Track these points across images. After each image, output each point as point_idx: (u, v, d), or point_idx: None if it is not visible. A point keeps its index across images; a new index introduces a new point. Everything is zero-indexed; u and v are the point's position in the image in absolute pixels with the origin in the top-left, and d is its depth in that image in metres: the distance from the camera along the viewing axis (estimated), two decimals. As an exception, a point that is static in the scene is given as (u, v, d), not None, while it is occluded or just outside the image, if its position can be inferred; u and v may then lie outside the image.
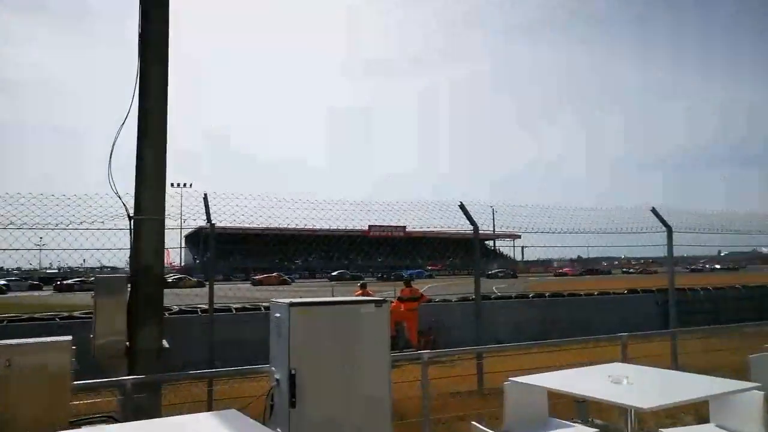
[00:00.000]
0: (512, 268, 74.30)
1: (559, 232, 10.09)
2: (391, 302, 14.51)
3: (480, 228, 8.66)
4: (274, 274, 56.05)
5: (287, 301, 4.29)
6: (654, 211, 10.66)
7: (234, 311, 12.52)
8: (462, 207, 8.88)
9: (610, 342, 7.64)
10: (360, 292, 13.49)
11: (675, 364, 10.08)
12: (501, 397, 8.76)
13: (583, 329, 15.04)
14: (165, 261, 5.59)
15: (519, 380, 4.60)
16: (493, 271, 62.30)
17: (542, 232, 9.87)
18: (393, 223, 9.62)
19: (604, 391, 4.12)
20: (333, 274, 57.72)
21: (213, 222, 7.05)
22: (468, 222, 8.67)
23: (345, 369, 4.28)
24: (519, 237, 10.32)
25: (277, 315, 4.35)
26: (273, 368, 4.44)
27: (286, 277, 60.61)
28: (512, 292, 19.08)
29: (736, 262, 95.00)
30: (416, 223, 9.17)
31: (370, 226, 10.41)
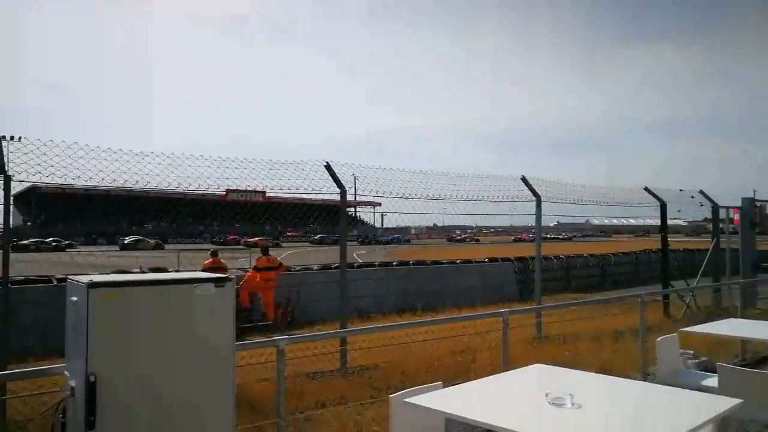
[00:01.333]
0: (372, 234, 74.88)
1: (418, 198, 9.24)
2: (246, 272, 13.30)
3: (347, 191, 7.72)
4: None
5: (86, 279, 3.05)
6: (524, 179, 10.34)
7: (55, 283, 10.56)
8: (328, 168, 7.87)
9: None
10: (210, 261, 12.09)
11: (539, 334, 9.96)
12: (365, 375, 8.04)
13: (445, 297, 14.83)
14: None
15: (411, 400, 3.30)
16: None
17: (400, 197, 8.93)
18: (253, 186, 8.30)
19: (540, 422, 3.06)
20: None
21: (10, 174, 5.45)
22: (334, 184, 7.68)
23: (169, 372, 3.15)
24: (379, 205, 9.34)
25: (74, 299, 3.09)
26: (66, 373, 3.21)
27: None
28: (375, 260, 18.49)
29: (569, 231, 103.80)
30: (278, 183, 7.96)
31: (227, 190, 9.10)
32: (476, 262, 17.66)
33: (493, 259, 18.09)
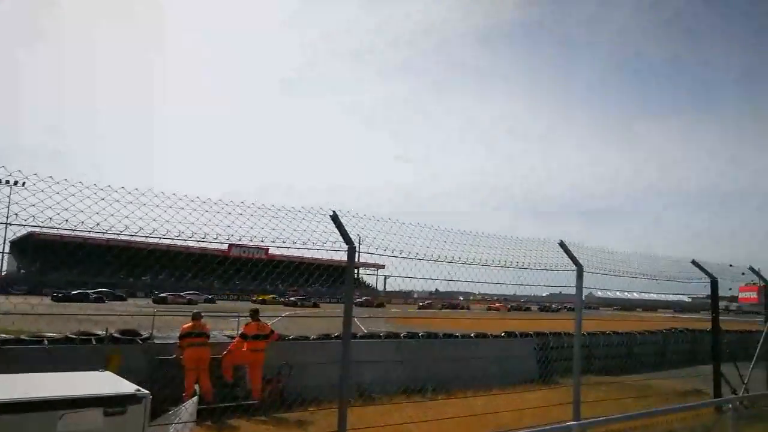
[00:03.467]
0: (372, 298, 72.52)
1: (434, 260, 7.57)
2: (233, 339, 11.55)
3: (357, 249, 6.13)
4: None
5: None
6: (562, 245, 8.73)
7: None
8: (335, 219, 6.31)
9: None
10: (190, 325, 10.35)
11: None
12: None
13: (458, 375, 12.97)
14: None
15: None
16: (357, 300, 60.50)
17: (416, 258, 7.27)
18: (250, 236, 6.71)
19: None
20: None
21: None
22: (341, 238, 6.10)
23: None
24: (383, 267, 7.74)
25: None
26: None
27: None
28: (381, 330, 16.67)
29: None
30: (279, 235, 6.33)
31: (230, 245, 7.87)
32: (493, 336, 15.83)
33: (510, 334, 16.26)
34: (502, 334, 16.31)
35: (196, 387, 9.50)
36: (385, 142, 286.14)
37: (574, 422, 4.03)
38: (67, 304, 36.66)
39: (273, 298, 59.56)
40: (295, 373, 10.98)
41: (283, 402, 10.38)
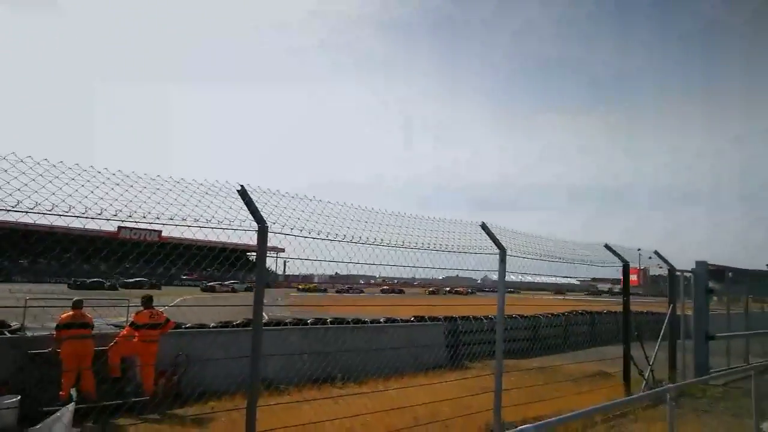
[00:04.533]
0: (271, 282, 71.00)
1: (349, 241, 6.88)
2: (123, 328, 10.33)
3: (269, 226, 5.31)
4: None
5: None
6: (485, 227, 8.31)
7: None
8: (243, 193, 5.46)
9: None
10: (69, 314, 9.06)
11: (498, 422, 7.79)
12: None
13: (368, 363, 12.41)
14: None
15: None
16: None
17: (329, 239, 6.54)
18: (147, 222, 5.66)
19: None
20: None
21: None
22: (251, 216, 5.27)
23: None
24: (283, 250, 6.90)
25: None
26: None
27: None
28: (286, 317, 15.81)
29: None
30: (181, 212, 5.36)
31: (119, 227, 6.86)
32: (402, 321, 15.40)
33: (420, 319, 15.91)
34: (412, 318, 15.92)
35: (73, 392, 8.32)
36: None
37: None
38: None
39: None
40: (193, 365, 9.98)
41: (178, 397, 9.37)
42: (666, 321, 12.35)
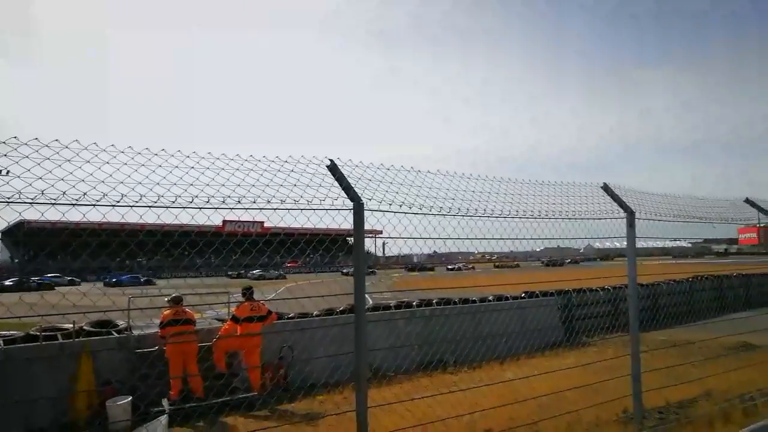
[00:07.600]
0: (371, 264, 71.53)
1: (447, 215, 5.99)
2: (224, 322, 10.12)
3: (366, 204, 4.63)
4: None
5: None
6: (607, 188, 7.26)
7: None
8: (333, 168, 4.81)
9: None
10: (170, 311, 8.87)
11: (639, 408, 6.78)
12: None
13: (479, 345, 11.63)
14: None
15: None
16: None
17: (425, 213, 5.69)
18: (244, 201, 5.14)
19: None
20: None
21: None
22: (344, 193, 4.61)
23: None
24: (380, 232, 6.20)
25: None
26: None
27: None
28: (390, 300, 15.27)
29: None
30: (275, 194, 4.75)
31: (224, 220, 7.71)
32: (512, 298, 14.47)
33: (531, 294, 14.90)
34: (522, 294, 14.95)
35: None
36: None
37: None
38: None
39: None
40: (297, 354, 9.62)
41: (286, 391, 9.03)
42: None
